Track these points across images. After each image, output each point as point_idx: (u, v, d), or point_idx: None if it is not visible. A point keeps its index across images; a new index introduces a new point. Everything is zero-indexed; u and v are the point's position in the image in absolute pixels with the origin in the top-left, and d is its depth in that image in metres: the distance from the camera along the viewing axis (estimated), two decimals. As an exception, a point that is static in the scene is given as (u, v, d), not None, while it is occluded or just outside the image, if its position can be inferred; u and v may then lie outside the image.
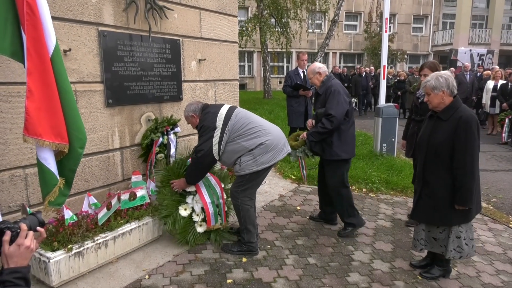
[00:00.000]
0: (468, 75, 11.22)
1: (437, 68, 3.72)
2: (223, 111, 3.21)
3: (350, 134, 3.73)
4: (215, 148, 3.13)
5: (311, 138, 3.68)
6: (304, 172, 4.34)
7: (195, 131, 3.52)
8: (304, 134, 3.81)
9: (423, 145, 2.94)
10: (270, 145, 3.15)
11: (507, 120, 8.85)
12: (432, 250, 3.02)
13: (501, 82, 9.66)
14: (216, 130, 3.13)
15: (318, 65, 3.82)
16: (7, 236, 1.32)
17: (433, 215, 2.90)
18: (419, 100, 3.92)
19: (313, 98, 4.50)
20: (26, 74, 2.22)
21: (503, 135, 8.97)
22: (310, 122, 3.91)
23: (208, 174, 3.59)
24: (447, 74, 2.84)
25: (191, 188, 3.44)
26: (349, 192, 3.85)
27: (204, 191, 3.43)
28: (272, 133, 3.22)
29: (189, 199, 3.44)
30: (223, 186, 3.62)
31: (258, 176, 3.24)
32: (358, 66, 16.04)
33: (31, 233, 1.39)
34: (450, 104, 2.82)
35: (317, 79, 3.78)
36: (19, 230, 1.36)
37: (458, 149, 2.72)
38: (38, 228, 1.45)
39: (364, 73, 14.11)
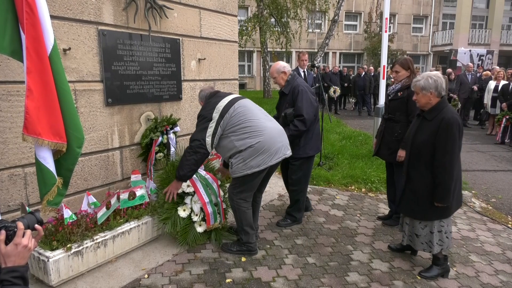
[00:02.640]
0: (469, 76, 11.25)
1: (408, 65, 3.80)
2: (222, 103, 3.13)
3: (316, 132, 3.89)
4: (208, 139, 3.06)
5: None
6: None
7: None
8: None
9: (408, 142, 3.12)
10: (260, 148, 3.05)
11: (504, 120, 8.88)
12: (412, 245, 3.16)
13: (503, 82, 9.69)
14: (211, 122, 3.08)
15: (283, 64, 3.90)
16: (2, 235, 1.32)
17: (414, 209, 3.07)
18: (389, 98, 3.96)
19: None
20: (26, 73, 2.21)
21: (499, 134, 9.06)
22: None
23: (205, 172, 3.59)
24: (437, 75, 2.93)
25: (189, 189, 3.44)
26: (307, 188, 4.04)
27: (202, 191, 3.42)
28: (266, 135, 3.08)
29: (187, 200, 3.43)
30: (219, 183, 3.62)
31: (251, 180, 3.17)
32: (364, 66, 15.93)
33: (28, 232, 1.38)
34: (435, 105, 2.94)
35: (282, 79, 3.85)
36: (16, 229, 1.35)
37: (438, 149, 2.86)
38: (36, 226, 1.44)
39: (363, 73, 14.05)
